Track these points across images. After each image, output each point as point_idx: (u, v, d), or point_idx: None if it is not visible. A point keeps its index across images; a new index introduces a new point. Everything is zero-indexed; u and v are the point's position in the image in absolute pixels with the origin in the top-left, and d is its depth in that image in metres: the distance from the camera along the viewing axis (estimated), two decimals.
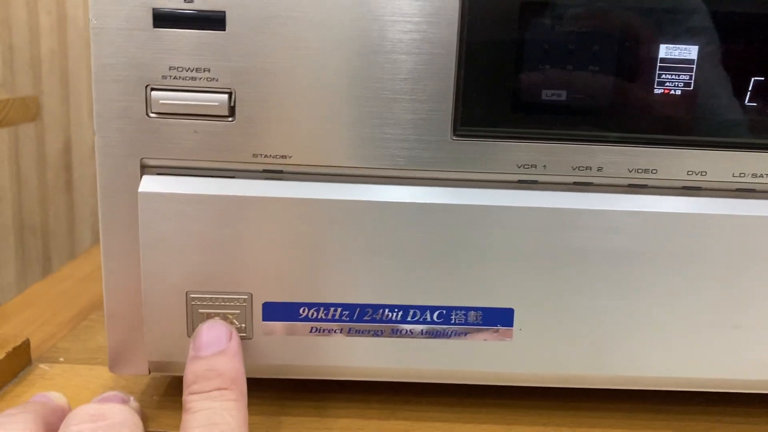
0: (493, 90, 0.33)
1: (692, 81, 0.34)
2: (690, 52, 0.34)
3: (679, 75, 0.34)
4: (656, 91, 0.34)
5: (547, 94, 0.34)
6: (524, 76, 0.33)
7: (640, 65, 0.33)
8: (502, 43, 0.32)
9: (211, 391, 0.30)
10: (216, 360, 0.32)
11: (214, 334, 0.33)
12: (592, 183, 0.34)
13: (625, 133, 0.34)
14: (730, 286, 0.34)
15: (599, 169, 0.34)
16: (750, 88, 0.34)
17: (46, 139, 0.97)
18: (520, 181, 0.34)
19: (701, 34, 0.33)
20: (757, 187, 0.34)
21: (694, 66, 0.34)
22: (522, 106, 0.33)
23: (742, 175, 0.34)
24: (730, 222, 0.34)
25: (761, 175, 0.34)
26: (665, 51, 0.34)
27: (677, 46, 0.34)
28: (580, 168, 0.34)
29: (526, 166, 0.34)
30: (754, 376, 0.36)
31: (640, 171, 0.34)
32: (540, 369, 0.36)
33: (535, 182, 0.34)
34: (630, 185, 0.34)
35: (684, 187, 0.34)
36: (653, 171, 0.34)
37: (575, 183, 0.34)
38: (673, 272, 0.34)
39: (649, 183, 0.34)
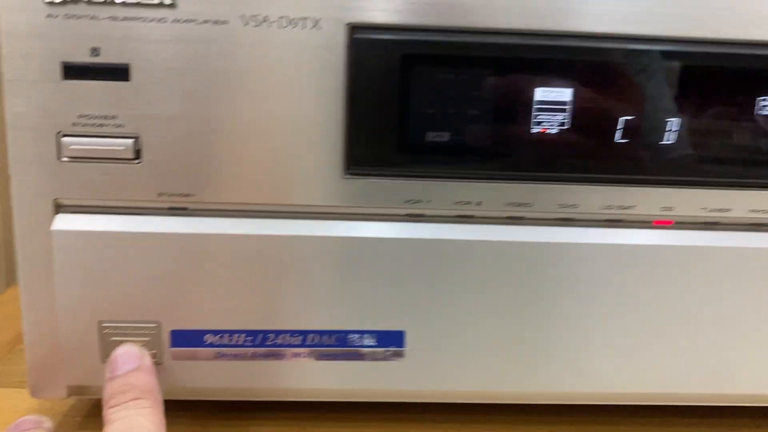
0: (379, 133, 0.36)
1: (566, 121, 0.37)
2: (563, 94, 0.37)
3: (554, 115, 0.37)
4: (533, 130, 0.37)
5: (430, 136, 0.37)
6: (408, 120, 0.36)
7: (516, 107, 0.37)
8: (386, 91, 0.35)
9: (127, 402, 0.33)
10: (129, 376, 0.35)
11: (127, 356, 0.36)
12: (473, 216, 0.37)
13: (503, 171, 0.37)
14: (596, 308, 0.38)
15: (478, 203, 0.37)
16: (619, 128, 0.38)
17: None
18: (408, 215, 0.37)
19: (574, 79, 0.37)
20: (625, 217, 0.38)
21: (568, 107, 0.37)
22: (407, 147, 0.36)
23: (610, 207, 0.37)
24: (601, 250, 0.37)
25: (628, 207, 0.37)
26: (541, 94, 0.37)
27: (551, 89, 0.37)
28: (461, 202, 0.37)
29: (412, 201, 0.37)
30: (619, 389, 0.39)
31: (516, 205, 0.37)
32: (430, 386, 0.39)
33: (421, 216, 0.37)
34: (508, 217, 0.37)
35: (557, 219, 0.38)
36: (529, 205, 0.37)
37: (458, 216, 0.37)
38: (547, 295, 0.37)
39: (526, 215, 0.37)
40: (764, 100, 0.37)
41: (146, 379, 0.35)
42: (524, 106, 0.36)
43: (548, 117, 0.37)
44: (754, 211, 0.38)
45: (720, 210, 0.38)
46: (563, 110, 0.37)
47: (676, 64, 0.36)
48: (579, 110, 0.37)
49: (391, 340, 0.38)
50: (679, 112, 0.37)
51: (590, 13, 0.35)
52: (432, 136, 0.37)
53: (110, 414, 0.33)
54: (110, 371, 0.35)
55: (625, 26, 0.35)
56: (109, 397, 0.34)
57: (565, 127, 0.37)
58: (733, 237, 0.38)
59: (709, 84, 0.36)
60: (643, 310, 0.38)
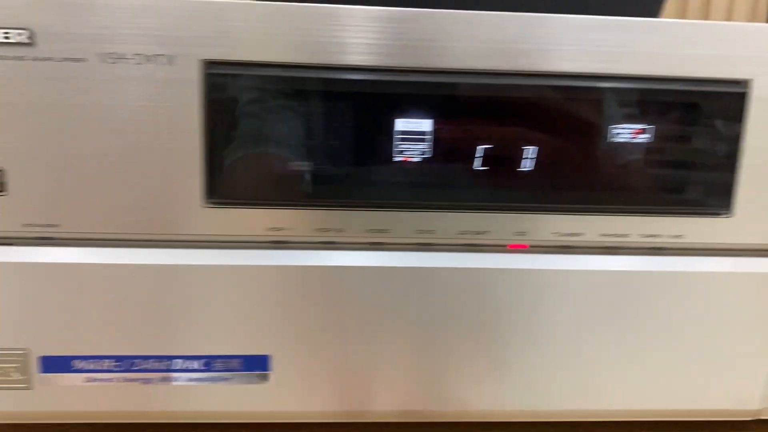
0: (236, 164, 0.37)
1: (427, 150, 0.39)
2: (423, 125, 0.39)
3: (415, 145, 0.39)
4: (393, 159, 0.39)
5: (294, 166, 0.38)
6: (266, 151, 0.37)
7: (375, 138, 0.38)
8: (242, 124, 0.37)
9: None
10: None
11: None
12: (334, 242, 0.39)
13: (363, 198, 0.38)
14: (453, 330, 0.39)
15: (339, 230, 0.38)
16: (477, 156, 0.39)
17: None
18: (271, 242, 0.39)
19: (433, 110, 0.38)
20: (480, 241, 0.39)
21: (428, 137, 0.39)
22: (266, 177, 0.38)
23: (464, 233, 0.39)
24: (457, 274, 0.39)
25: (483, 232, 0.39)
26: (402, 125, 0.39)
27: (411, 120, 0.38)
28: (323, 230, 0.38)
29: (274, 229, 0.38)
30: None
31: (376, 231, 0.38)
32: (298, 407, 0.40)
33: (285, 242, 0.39)
34: (369, 243, 0.39)
35: (417, 243, 0.39)
36: (387, 231, 0.39)
37: (320, 242, 0.39)
38: (405, 318, 0.39)
39: (385, 241, 0.39)
40: (614, 128, 0.39)
41: None
42: (381, 136, 0.38)
43: (409, 146, 0.39)
44: (604, 235, 0.39)
45: (572, 234, 0.39)
46: (423, 140, 0.38)
47: (529, 96, 0.38)
48: (438, 140, 0.38)
49: (256, 364, 0.39)
50: (533, 140, 0.38)
51: (448, 49, 0.36)
52: (290, 166, 0.38)
53: None
54: None
55: (480, 61, 0.36)
56: None
57: (426, 156, 0.39)
58: (585, 260, 0.40)
59: (560, 114, 0.38)
60: (501, 332, 0.40)
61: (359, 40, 0.36)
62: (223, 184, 0.37)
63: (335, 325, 0.39)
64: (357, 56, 0.36)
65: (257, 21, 0.35)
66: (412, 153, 0.39)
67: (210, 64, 0.36)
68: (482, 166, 0.39)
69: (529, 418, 0.42)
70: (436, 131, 0.38)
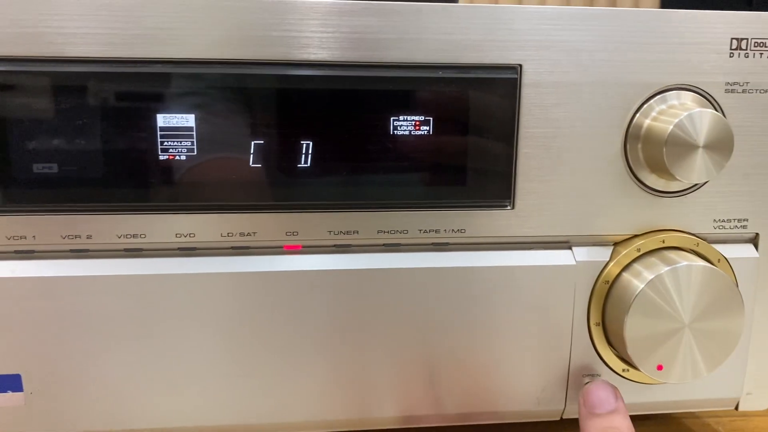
0: None
1: (194, 147, 0.36)
2: (188, 120, 0.36)
3: (180, 142, 0.36)
4: (161, 158, 0.36)
5: (38, 168, 0.35)
6: (9, 153, 0.34)
7: (132, 134, 0.35)
8: None
9: None
10: (613, 418, 0.36)
11: (606, 395, 0.37)
12: (87, 250, 0.36)
13: (115, 202, 0.35)
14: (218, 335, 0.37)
15: (89, 237, 0.35)
16: (252, 152, 0.37)
17: None
18: (15, 252, 0.35)
19: (199, 104, 0.36)
20: (250, 244, 0.37)
21: (194, 133, 0.36)
22: (11, 181, 0.35)
23: (231, 234, 0.36)
24: (223, 279, 0.36)
25: (249, 234, 0.37)
26: (163, 120, 0.36)
27: (174, 114, 0.36)
28: (69, 236, 0.35)
29: (16, 237, 0.35)
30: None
31: (128, 236, 0.36)
32: (55, 429, 0.37)
33: (31, 252, 0.36)
34: (125, 249, 0.36)
35: (179, 248, 0.37)
36: (142, 236, 0.36)
37: (68, 251, 0.36)
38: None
39: (144, 246, 0.36)
40: (388, 121, 0.37)
41: (627, 423, 0.35)
42: (145, 133, 0.35)
43: (175, 143, 0.36)
44: (381, 232, 0.37)
45: (346, 233, 0.37)
46: (188, 137, 0.36)
47: (299, 87, 0.36)
48: (202, 136, 0.36)
49: (9, 384, 0.36)
50: (302, 135, 0.36)
51: (182, 38, 0.34)
52: (39, 168, 0.35)
53: None
54: (590, 407, 0.36)
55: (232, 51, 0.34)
56: None
57: (191, 154, 0.36)
58: (361, 259, 0.37)
59: (326, 108, 0.36)
60: (273, 335, 0.37)
61: (89, 31, 0.33)
62: None
63: (86, 340, 0.36)
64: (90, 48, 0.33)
65: None
66: (177, 151, 0.36)
67: None
68: (254, 163, 0.37)
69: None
70: (199, 126, 0.36)
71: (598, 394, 0.37)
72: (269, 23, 0.34)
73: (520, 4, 0.90)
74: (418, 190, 0.37)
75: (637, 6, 0.93)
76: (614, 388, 0.37)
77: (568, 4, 0.91)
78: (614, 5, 0.92)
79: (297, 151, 0.36)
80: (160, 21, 0.34)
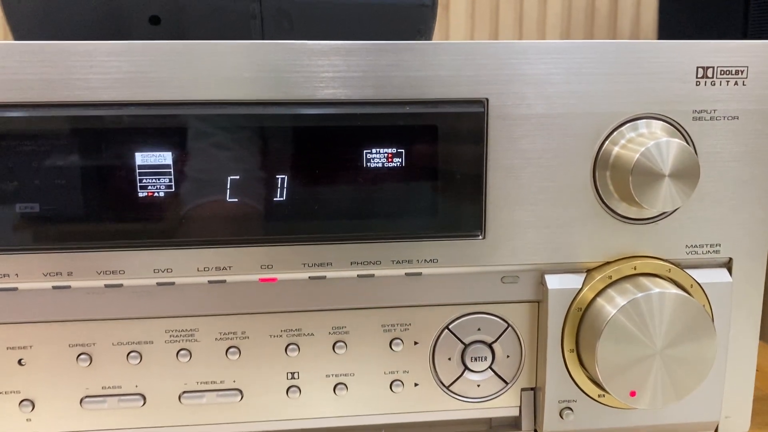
0: None
1: (171, 184, 0.37)
2: (165, 158, 0.37)
3: (158, 179, 0.37)
4: (140, 194, 0.37)
5: (19, 207, 0.36)
6: None
7: (113, 172, 0.36)
8: None
9: None
10: None
11: None
12: (69, 286, 0.37)
13: (96, 241, 0.36)
14: None
15: (69, 274, 0.37)
16: (228, 187, 0.38)
17: None
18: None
19: (175, 143, 0.37)
20: (226, 277, 0.38)
21: (169, 170, 0.37)
22: None
23: (207, 269, 0.37)
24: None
25: (224, 268, 0.37)
26: (141, 158, 0.37)
27: (152, 153, 0.37)
28: (51, 274, 0.36)
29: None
30: None
31: (108, 273, 0.37)
32: None
33: (14, 289, 0.37)
34: (105, 285, 0.37)
35: (156, 284, 0.38)
36: (121, 272, 0.37)
37: (53, 287, 0.37)
38: None
39: (123, 282, 0.37)
40: (361, 155, 0.37)
41: None
42: (123, 171, 0.36)
43: (153, 181, 0.37)
44: (354, 263, 0.38)
45: (320, 265, 0.38)
46: (165, 173, 0.37)
47: (273, 126, 0.37)
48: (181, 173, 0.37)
49: None
50: (278, 170, 0.37)
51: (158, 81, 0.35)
52: (22, 208, 0.36)
53: None
54: None
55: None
56: None
57: (169, 191, 0.37)
58: (340, 290, 0.38)
59: (301, 143, 0.37)
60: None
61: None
62: None
63: None
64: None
65: None
66: (155, 187, 0.37)
67: None
68: (231, 198, 0.38)
69: None
70: (177, 164, 0.37)
71: None
72: (242, 65, 0.35)
73: (520, 36, 0.90)
74: (390, 221, 0.38)
75: (637, 27, 0.93)
76: None
77: (569, 29, 0.92)
78: (614, 27, 0.93)
79: (272, 186, 0.37)
80: (138, 66, 0.35)
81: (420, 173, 0.37)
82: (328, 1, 0.42)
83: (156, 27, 0.44)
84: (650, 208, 0.36)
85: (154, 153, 0.37)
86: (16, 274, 0.36)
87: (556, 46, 0.37)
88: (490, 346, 0.41)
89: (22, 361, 0.38)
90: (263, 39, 0.41)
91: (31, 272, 0.36)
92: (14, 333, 0.38)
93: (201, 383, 0.39)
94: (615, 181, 0.38)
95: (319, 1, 0.42)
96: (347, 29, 0.44)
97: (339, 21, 0.44)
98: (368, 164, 0.37)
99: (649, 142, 0.36)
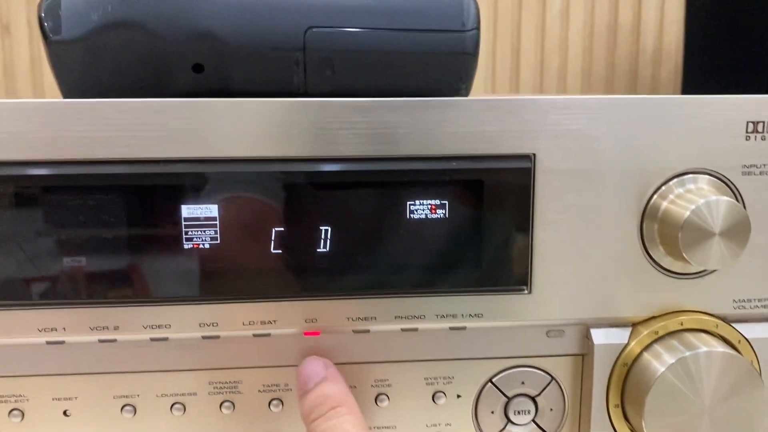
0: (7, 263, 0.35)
1: (217, 236, 0.37)
2: (211, 210, 0.37)
3: (204, 231, 0.37)
4: (185, 246, 0.37)
5: (67, 261, 0.37)
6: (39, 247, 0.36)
7: (161, 226, 0.36)
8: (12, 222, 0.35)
9: (326, 412, 0.34)
10: (322, 387, 0.36)
11: (313, 369, 0.37)
12: (115, 340, 0.37)
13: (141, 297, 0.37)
14: None
15: (116, 328, 0.37)
16: (273, 240, 0.38)
17: None
18: (47, 343, 0.37)
19: (219, 195, 0.37)
20: (271, 331, 0.38)
21: (215, 222, 0.37)
22: (40, 277, 0.36)
23: (252, 323, 0.37)
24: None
25: (269, 322, 0.37)
26: (187, 211, 0.37)
27: (198, 206, 0.37)
28: (98, 328, 0.37)
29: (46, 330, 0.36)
30: None
31: (154, 327, 0.37)
32: None
33: (62, 342, 0.37)
34: (150, 339, 0.37)
35: (202, 337, 0.38)
36: (167, 326, 0.37)
37: (99, 341, 0.37)
38: None
39: (169, 336, 0.37)
40: (406, 209, 0.37)
41: (337, 387, 0.36)
42: (169, 224, 0.36)
43: (198, 233, 0.37)
44: (398, 318, 0.38)
45: (365, 318, 0.38)
46: (211, 226, 0.37)
47: (309, 182, 0.37)
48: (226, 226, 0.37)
49: None
50: (323, 224, 0.37)
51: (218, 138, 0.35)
52: (68, 262, 0.36)
53: (315, 427, 0.34)
54: (301, 387, 0.36)
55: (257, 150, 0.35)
56: (309, 412, 0.35)
57: (215, 243, 0.37)
58: (383, 342, 0.38)
59: (346, 198, 0.37)
60: None
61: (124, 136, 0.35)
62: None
63: None
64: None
65: None
66: (201, 239, 0.37)
67: None
68: (275, 249, 0.38)
69: None
70: (223, 216, 0.37)
71: (307, 370, 0.37)
72: (288, 121, 0.35)
73: (542, 53, 0.90)
74: (435, 275, 0.38)
75: (660, 41, 0.92)
76: (324, 360, 0.38)
77: (591, 45, 0.91)
78: (637, 42, 0.92)
79: (317, 239, 0.37)
80: (183, 123, 0.35)
81: (465, 228, 0.37)
82: (370, 50, 0.42)
83: (199, 75, 0.44)
84: (699, 266, 0.36)
85: (200, 206, 0.37)
86: (64, 328, 0.37)
87: (598, 102, 0.37)
88: (533, 399, 0.40)
89: (68, 412, 0.39)
90: (306, 85, 0.41)
91: (78, 326, 0.37)
92: (60, 384, 0.38)
93: None
94: (662, 236, 0.37)
95: (361, 50, 0.42)
96: (389, 77, 0.43)
97: (381, 68, 0.43)
98: (412, 217, 0.37)
99: (699, 200, 0.35)
